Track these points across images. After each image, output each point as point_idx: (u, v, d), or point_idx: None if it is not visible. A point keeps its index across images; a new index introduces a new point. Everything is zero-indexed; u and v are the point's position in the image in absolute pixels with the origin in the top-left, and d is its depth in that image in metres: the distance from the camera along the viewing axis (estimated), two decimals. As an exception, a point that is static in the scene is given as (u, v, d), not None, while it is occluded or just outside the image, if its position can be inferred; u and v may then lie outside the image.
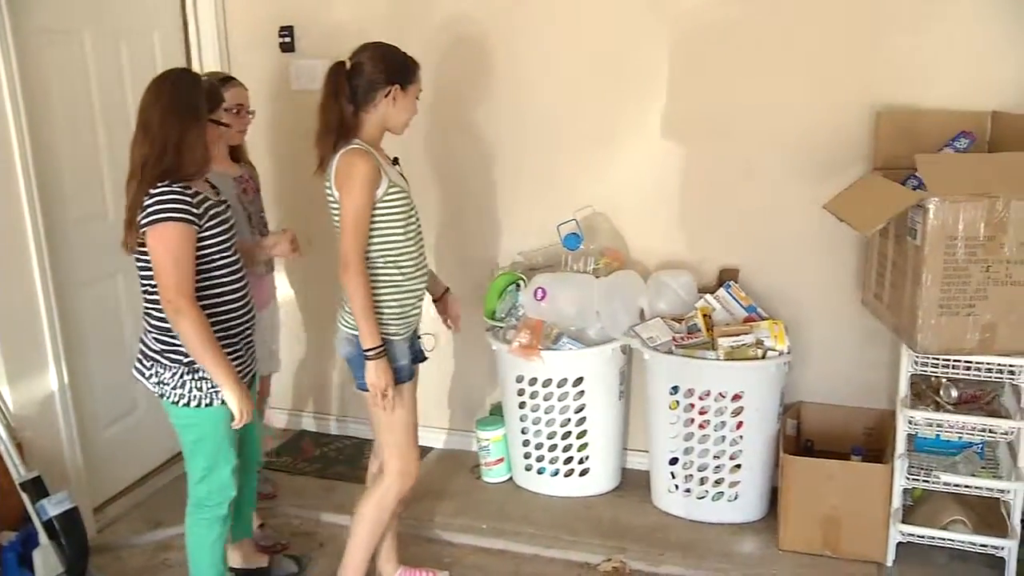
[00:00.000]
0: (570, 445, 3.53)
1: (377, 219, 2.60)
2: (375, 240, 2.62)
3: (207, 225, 2.49)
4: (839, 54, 3.21)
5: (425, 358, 2.94)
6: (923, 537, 3.00)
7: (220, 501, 2.68)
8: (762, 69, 3.30)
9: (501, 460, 3.73)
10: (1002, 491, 2.92)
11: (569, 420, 3.49)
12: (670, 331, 3.32)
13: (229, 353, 2.56)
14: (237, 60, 3.90)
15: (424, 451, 3.98)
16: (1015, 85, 3.02)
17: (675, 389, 3.27)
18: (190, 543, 2.75)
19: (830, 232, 3.23)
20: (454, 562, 3.24)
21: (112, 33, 3.49)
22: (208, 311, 2.52)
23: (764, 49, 3.28)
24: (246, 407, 2.54)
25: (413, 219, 2.70)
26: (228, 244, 2.59)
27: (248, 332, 2.69)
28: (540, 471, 3.61)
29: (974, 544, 2.95)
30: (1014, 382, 2.83)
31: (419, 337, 2.89)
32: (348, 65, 2.63)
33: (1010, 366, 2.78)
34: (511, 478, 3.75)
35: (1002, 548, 2.91)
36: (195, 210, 2.45)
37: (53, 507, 2.96)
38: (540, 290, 3.40)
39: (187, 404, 2.53)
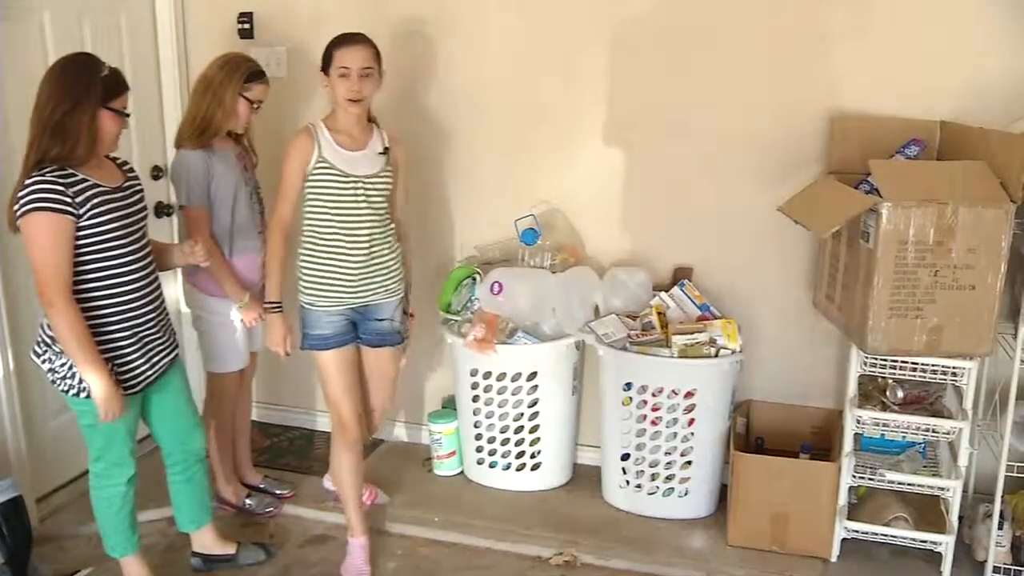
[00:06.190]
0: (522, 439, 3.55)
1: (306, 190, 2.90)
2: (305, 207, 2.93)
3: (89, 214, 2.45)
4: (793, 59, 3.26)
5: (385, 343, 3.11)
6: (867, 533, 3.08)
7: (117, 479, 2.75)
8: (718, 73, 3.34)
9: (453, 453, 3.73)
10: (942, 489, 3.00)
11: (522, 414, 3.51)
12: (625, 328, 3.35)
13: (117, 349, 2.57)
14: (194, 47, 3.84)
15: (376, 443, 3.98)
16: (962, 96, 3.09)
17: (628, 385, 3.30)
18: (96, 514, 2.82)
19: (783, 234, 3.29)
20: (406, 554, 3.24)
21: (75, 13, 3.42)
22: (95, 301, 2.51)
23: (720, 53, 3.32)
24: (111, 406, 2.53)
25: (346, 199, 2.88)
26: (121, 235, 2.53)
27: (149, 330, 2.66)
28: (492, 465, 3.62)
29: (914, 540, 3.03)
30: (956, 383, 2.92)
31: (381, 320, 3.05)
32: None
33: (953, 368, 2.87)
34: (463, 471, 3.75)
35: (940, 544, 3.00)
36: (69, 199, 2.40)
37: (-4, 495, 2.91)
38: (496, 284, 3.41)
39: (76, 394, 2.57)
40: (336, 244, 2.91)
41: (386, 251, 3.00)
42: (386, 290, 3.03)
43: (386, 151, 2.98)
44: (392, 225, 3.04)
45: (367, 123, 3.00)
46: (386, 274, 3.02)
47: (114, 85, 2.51)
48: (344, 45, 2.86)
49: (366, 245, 2.94)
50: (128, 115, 2.57)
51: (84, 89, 2.44)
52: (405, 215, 3.18)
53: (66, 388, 2.57)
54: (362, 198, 2.90)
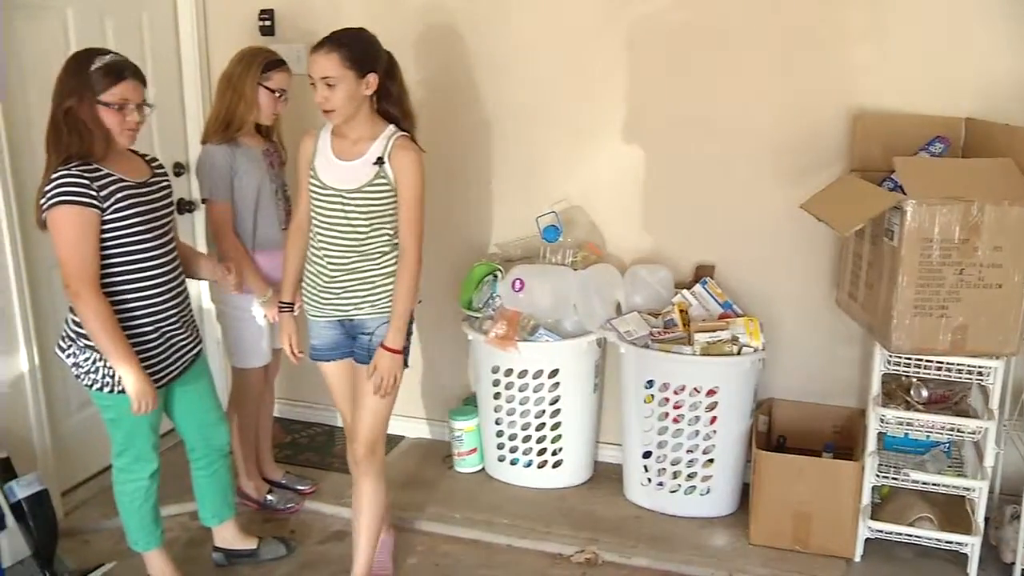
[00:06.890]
0: (544, 437, 3.55)
1: None
2: None
3: (113, 208, 2.46)
4: (814, 57, 3.24)
5: (364, 360, 2.80)
6: (891, 533, 3.06)
7: (140, 473, 2.76)
8: (738, 71, 3.32)
9: (474, 450, 3.74)
10: (968, 489, 2.97)
11: (544, 412, 3.50)
12: (647, 325, 3.34)
13: (141, 343, 2.57)
14: (216, 44, 3.85)
15: (396, 440, 3.98)
16: (987, 92, 3.06)
17: (650, 383, 3.29)
18: (119, 508, 2.84)
19: (805, 232, 3.27)
20: (426, 551, 3.24)
21: (97, 11, 3.45)
22: (118, 296, 2.52)
23: (740, 51, 3.30)
24: (145, 398, 2.54)
25: (323, 210, 2.69)
26: (146, 229, 2.54)
27: (172, 325, 2.66)
28: (513, 462, 3.62)
29: (939, 541, 3.01)
30: (982, 383, 2.89)
31: (364, 334, 2.79)
32: None
33: (979, 367, 2.84)
34: (484, 468, 3.75)
35: (966, 545, 2.97)
36: (94, 192, 2.42)
37: (22, 489, 2.93)
38: (518, 281, 3.41)
39: (100, 389, 2.58)
40: (317, 253, 2.76)
41: (372, 266, 2.73)
42: (372, 306, 2.76)
43: (379, 162, 2.67)
44: (389, 240, 2.73)
45: (375, 126, 2.70)
46: (370, 289, 2.74)
47: (104, 78, 2.44)
48: (310, 54, 2.64)
49: (344, 257, 2.72)
50: (120, 107, 2.47)
51: (78, 86, 2.44)
52: (428, 212, 2.84)
53: (90, 383, 2.59)
54: (338, 212, 2.67)
